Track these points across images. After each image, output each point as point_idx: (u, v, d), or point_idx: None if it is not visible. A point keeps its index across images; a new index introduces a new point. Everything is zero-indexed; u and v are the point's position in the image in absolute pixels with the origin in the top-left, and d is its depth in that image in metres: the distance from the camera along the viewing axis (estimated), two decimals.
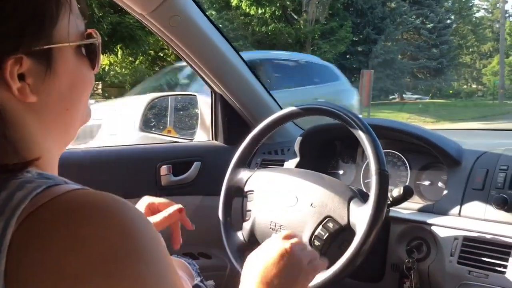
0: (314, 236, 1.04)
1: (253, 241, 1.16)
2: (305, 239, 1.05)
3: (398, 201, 1.06)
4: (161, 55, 16.52)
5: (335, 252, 1.02)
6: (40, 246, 0.40)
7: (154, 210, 0.94)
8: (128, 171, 1.47)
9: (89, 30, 0.56)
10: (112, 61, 14.37)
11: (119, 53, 14.08)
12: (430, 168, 1.27)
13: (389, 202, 1.04)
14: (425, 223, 1.15)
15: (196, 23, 1.36)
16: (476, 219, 1.09)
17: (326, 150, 1.47)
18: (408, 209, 1.20)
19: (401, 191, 1.05)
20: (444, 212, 1.14)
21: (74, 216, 0.42)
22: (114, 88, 14.95)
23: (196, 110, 1.78)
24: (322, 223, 1.04)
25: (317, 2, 18.86)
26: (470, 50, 32.84)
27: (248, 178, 1.22)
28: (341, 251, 0.98)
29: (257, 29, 18.55)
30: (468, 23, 30.85)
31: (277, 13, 18.80)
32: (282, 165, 1.46)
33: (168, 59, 16.35)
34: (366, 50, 21.75)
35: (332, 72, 6.34)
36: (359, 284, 1.21)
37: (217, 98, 1.63)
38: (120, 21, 11.32)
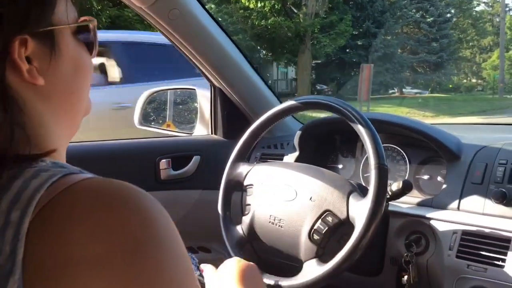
0: (313, 230, 1.04)
1: (252, 235, 1.17)
2: (304, 233, 1.06)
3: (397, 195, 1.06)
4: None
5: (334, 246, 1.03)
6: (58, 234, 0.40)
7: None
8: (128, 165, 1.47)
9: (83, 18, 0.57)
10: None
11: None
12: (430, 162, 1.27)
13: (388, 196, 1.04)
14: (424, 217, 1.15)
15: (195, 16, 1.35)
16: (475, 213, 1.09)
17: (325, 144, 1.47)
18: (407, 203, 1.20)
19: (400, 185, 1.05)
20: (443, 206, 1.14)
21: (92, 203, 0.42)
22: None
23: (196, 104, 1.77)
24: (321, 217, 1.04)
25: None
26: (470, 44, 32.80)
27: (248, 172, 1.22)
28: (340, 245, 0.98)
29: (256, 23, 18.50)
30: (468, 17, 30.80)
31: (276, 6, 18.75)
32: (282, 159, 1.46)
33: None
34: (366, 44, 21.71)
35: None
36: (357, 277, 1.22)
37: (216, 92, 1.62)
38: (119, 14, 11.29)
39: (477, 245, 1.05)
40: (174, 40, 1.39)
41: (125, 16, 11.36)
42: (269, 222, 1.13)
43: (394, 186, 1.06)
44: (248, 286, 0.76)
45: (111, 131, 3.92)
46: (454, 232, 1.09)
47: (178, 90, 1.95)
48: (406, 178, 1.28)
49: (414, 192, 1.23)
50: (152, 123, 1.88)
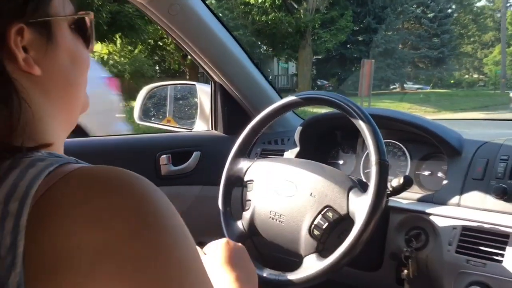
0: (313, 225, 1.05)
1: (252, 231, 1.17)
2: (305, 228, 1.06)
3: (397, 191, 1.06)
4: (161, 44, 16.47)
5: (334, 241, 1.03)
6: (57, 223, 0.40)
7: None
8: (128, 161, 1.47)
9: (81, 12, 0.57)
10: (111, 50, 14.33)
11: (118, 42, 14.05)
12: (431, 158, 1.27)
13: (388, 192, 1.04)
14: (424, 212, 1.15)
15: (195, 11, 1.35)
16: (475, 209, 1.09)
17: (326, 140, 1.47)
18: (408, 199, 1.20)
19: (401, 181, 1.05)
20: (443, 202, 1.14)
21: (89, 190, 0.42)
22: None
23: (196, 100, 1.77)
24: (322, 213, 1.04)
25: None
26: (472, 39, 32.71)
27: (248, 168, 1.22)
28: (340, 240, 0.98)
29: (257, 18, 18.46)
30: (469, 12, 30.70)
31: (277, 2, 18.70)
32: (282, 155, 1.46)
33: (168, 48, 16.32)
34: (367, 39, 21.67)
35: None
36: (357, 272, 1.22)
37: (216, 88, 1.62)
38: (119, 10, 11.28)
39: (476, 240, 1.05)
40: (174, 35, 1.39)
41: (125, 11, 11.35)
42: (270, 217, 1.13)
43: (395, 181, 1.06)
44: (237, 267, 0.74)
45: None
46: (454, 227, 1.09)
47: (178, 85, 1.95)
48: (406, 173, 1.28)
49: (415, 187, 1.23)
50: (152, 119, 1.88)
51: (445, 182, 1.18)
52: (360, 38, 22.07)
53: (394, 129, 1.32)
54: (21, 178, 0.42)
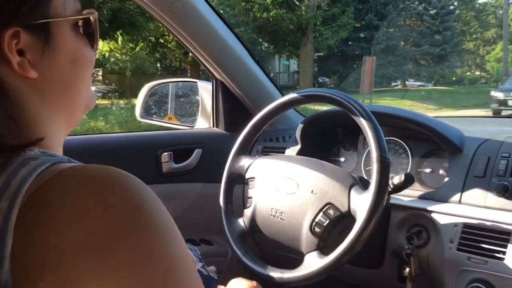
0: (314, 222, 1.05)
1: (254, 228, 1.17)
2: (306, 225, 1.06)
3: (399, 188, 1.06)
4: (162, 41, 16.46)
5: (335, 238, 1.03)
6: (44, 221, 0.40)
7: None
8: (129, 158, 1.47)
9: (86, 11, 0.56)
10: (112, 47, 14.32)
11: (120, 39, 14.04)
12: (432, 155, 1.27)
13: (390, 190, 1.04)
14: (425, 210, 1.15)
15: (196, 9, 1.35)
16: (476, 206, 1.09)
17: (327, 137, 1.47)
18: (409, 196, 1.20)
19: (402, 179, 1.05)
20: (444, 199, 1.14)
21: (77, 188, 0.42)
22: (114, 74, 14.93)
23: (197, 97, 1.77)
24: (323, 210, 1.04)
25: None
26: (474, 36, 32.61)
27: (249, 165, 1.22)
28: (342, 238, 0.98)
29: (258, 15, 18.42)
30: (471, 9, 30.60)
31: None
32: (283, 152, 1.46)
33: (169, 45, 16.30)
34: (369, 36, 21.62)
35: None
36: (358, 270, 1.22)
37: (218, 85, 1.62)
38: (120, 7, 11.27)
39: (478, 238, 1.05)
40: (175, 32, 1.39)
41: (126, 8, 11.34)
42: (271, 215, 1.13)
43: (396, 179, 1.06)
44: None
45: None
46: (455, 225, 1.09)
47: (180, 83, 1.95)
48: (408, 171, 1.28)
49: (416, 185, 1.23)
50: (154, 116, 1.88)
51: (446, 179, 1.18)
52: (361, 35, 22.02)
53: (395, 126, 1.32)
54: (13, 177, 0.43)
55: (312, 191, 1.07)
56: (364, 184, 1.05)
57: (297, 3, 19.44)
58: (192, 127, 1.76)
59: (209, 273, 0.97)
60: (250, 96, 1.59)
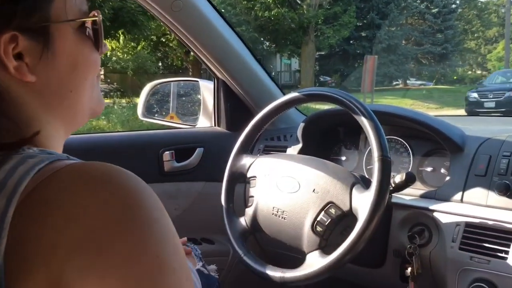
0: (316, 222, 1.05)
1: (255, 227, 1.17)
2: (307, 224, 1.06)
3: (400, 187, 1.06)
4: (163, 40, 16.46)
5: (337, 237, 1.03)
6: (40, 220, 0.40)
7: None
8: (131, 157, 1.47)
9: (92, 12, 0.55)
10: (114, 46, 14.32)
11: (121, 38, 14.05)
12: (433, 154, 1.27)
13: (391, 188, 1.04)
14: (427, 209, 1.15)
15: (198, 8, 1.35)
16: (478, 205, 1.09)
17: (329, 136, 1.47)
18: (411, 195, 1.20)
19: (404, 178, 1.05)
20: (446, 198, 1.14)
21: (74, 186, 0.42)
22: (116, 73, 14.95)
23: (199, 96, 1.77)
24: (324, 209, 1.04)
25: None
26: (475, 35, 32.53)
27: (251, 164, 1.22)
28: (343, 237, 0.98)
29: (260, 14, 18.40)
30: (473, 8, 30.53)
31: None
32: (285, 151, 1.46)
33: (170, 44, 16.31)
34: (370, 35, 21.59)
35: None
36: (360, 269, 1.22)
37: (219, 84, 1.62)
38: (122, 6, 11.27)
39: (480, 237, 1.05)
40: (177, 31, 1.39)
41: (128, 7, 11.35)
42: (272, 214, 1.13)
43: (398, 178, 1.06)
44: None
45: None
46: (457, 224, 1.09)
47: (181, 82, 1.95)
48: (409, 170, 1.28)
49: (418, 184, 1.23)
50: (156, 115, 1.88)
51: (447, 178, 1.18)
52: (363, 34, 21.98)
53: (396, 125, 1.32)
54: (10, 175, 0.42)
55: (313, 190, 1.07)
56: (365, 183, 1.05)
57: (298, 1, 19.43)
58: (194, 126, 1.76)
59: (209, 272, 0.97)
60: (251, 95, 1.58)
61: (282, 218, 1.11)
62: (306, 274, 1.01)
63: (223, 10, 15.81)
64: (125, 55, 15.04)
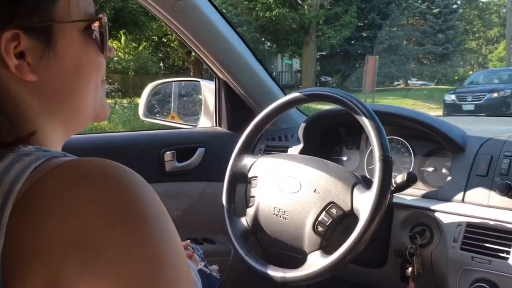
0: (317, 222, 1.05)
1: (256, 227, 1.17)
2: (309, 224, 1.06)
3: (401, 187, 1.06)
4: (165, 40, 16.47)
5: (338, 238, 1.03)
6: (37, 219, 0.40)
7: None
8: (132, 157, 1.47)
9: (100, 15, 0.55)
10: (115, 47, 14.33)
11: (122, 38, 14.07)
12: (434, 154, 1.27)
13: (392, 189, 1.04)
14: (428, 209, 1.15)
15: (199, 8, 1.35)
16: (479, 205, 1.09)
17: (330, 136, 1.47)
18: (412, 195, 1.20)
19: (405, 178, 1.05)
20: (447, 199, 1.14)
21: (72, 184, 0.41)
22: (117, 74, 14.96)
23: (200, 96, 1.77)
24: (326, 209, 1.04)
25: None
26: (476, 35, 32.49)
27: (252, 164, 1.22)
28: (344, 237, 0.98)
29: (261, 14, 18.40)
30: (474, 8, 30.49)
31: None
32: (286, 151, 1.46)
33: (172, 44, 16.32)
34: (371, 35, 21.57)
35: None
36: (362, 269, 1.22)
37: (220, 84, 1.62)
38: (123, 6, 11.28)
39: (481, 237, 1.05)
40: (178, 32, 1.39)
41: (129, 8, 11.36)
42: (274, 214, 1.13)
43: (399, 178, 1.05)
44: None
45: None
46: (459, 224, 1.09)
47: (183, 82, 1.95)
48: (410, 170, 1.28)
49: (419, 184, 1.23)
50: (157, 115, 1.88)
51: (449, 178, 1.17)
52: (364, 34, 21.97)
53: (397, 125, 1.32)
54: (6, 174, 0.42)
55: (314, 190, 1.07)
56: (367, 183, 1.05)
57: (300, 2, 19.43)
58: (195, 126, 1.76)
59: (211, 272, 0.97)
60: (252, 95, 1.59)
61: (283, 218, 1.11)
62: (307, 274, 1.01)
63: (224, 11, 15.83)
64: (127, 56, 15.06)
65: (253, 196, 1.19)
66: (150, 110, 1.84)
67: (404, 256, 1.15)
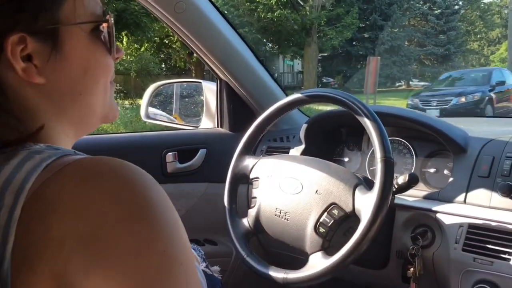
0: (319, 223, 1.05)
1: (258, 228, 1.17)
2: (310, 225, 1.06)
3: (403, 188, 1.06)
4: (166, 42, 16.50)
5: (340, 239, 1.03)
6: (47, 215, 0.40)
7: None
8: (134, 158, 1.46)
9: (108, 16, 0.55)
10: None
11: (124, 40, 14.09)
12: (436, 155, 1.27)
13: (394, 190, 1.04)
14: (430, 210, 1.15)
15: (201, 9, 1.35)
16: (481, 206, 1.09)
17: (331, 137, 1.47)
18: (414, 196, 1.20)
19: (407, 179, 1.05)
20: (449, 200, 1.14)
21: (82, 182, 0.42)
22: (119, 75, 14.99)
23: (202, 97, 1.78)
24: (327, 210, 1.04)
25: None
26: (478, 36, 32.47)
27: (254, 165, 1.22)
28: (346, 238, 0.98)
29: (262, 16, 18.43)
30: (476, 9, 30.46)
31: None
32: (288, 152, 1.46)
33: (174, 45, 16.34)
34: (373, 36, 21.58)
35: None
36: (363, 270, 1.22)
37: (222, 85, 1.62)
38: (125, 7, 11.31)
39: (483, 238, 1.05)
40: (180, 33, 1.39)
41: (131, 9, 11.38)
42: (275, 215, 1.13)
43: (400, 179, 1.06)
44: None
45: None
46: (461, 225, 1.09)
47: (184, 83, 1.95)
48: (412, 171, 1.28)
49: (420, 185, 1.23)
50: (159, 116, 1.88)
51: (450, 179, 1.17)
52: (366, 35, 21.98)
53: (399, 126, 1.32)
54: (17, 171, 0.43)
55: (316, 191, 1.07)
56: (368, 184, 1.05)
57: (301, 3, 19.44)
58: (197, 127, 1.76)
59: (213, 273, 0.97)
60: (254, 96, 1.59)
61: (285, 219, 1.11)
62: (309, 275, 1.01)
63: (226, 12, 15.83)
64: (128, 57, 15.07)
65: (255, 197, 1.19)
66: (152, 111, 1.84)
67: (405, 257, 1.15)
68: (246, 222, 1.20)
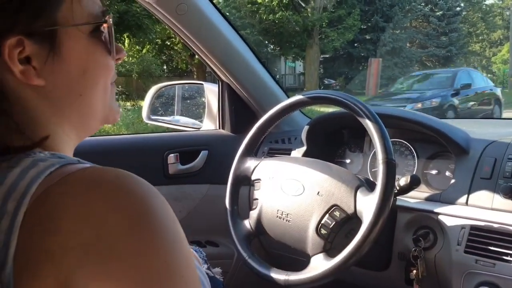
0: (320, 224, 1.05)
1: (260, 230, 1.17)
2: (312, 227, 1.06)
3: (405, 190, 1.06)
4: (168, 43, 16.53)
5: (341, 240, 1.03)
6: (49, 223, 0.40)
7: None
8: (136, 160, 1.48)
9: (107, 17, 0.55)
10: None
11: (126, 42, 14.12)
12: (438, 157, 1.27)
13: (396, 191, 1.04)
14: (432, 212, 1.15)
15: (202, 11, 1.35)
16: (483, 208, 1.09)
17: (333, 139, 1.47)
18: (415, 198, 1.20)
19: (408, 180, 1.04)
20: (451, 201, 1.14)
21: (86, 191, 0.42)
22: (121, 77, 15.01)
23: (203, 99, 1.78)
24: (329, 212, 1.04)
25: None
26: (480, 38, 32.44)
27: (255, 167, 1.22)
28: (348, 240, 0.98)
29: (264, 17, 18.45)
30: (478, 10, 30.44)
31: (284, 1, 18.70)
32: (289, 154, 1.46)
33: (175, 47, 16.36)
34: (374, 38, 21.58)
35: None
36: (365, 272, 1.22)
37: (224, 87, 1.62)
38: (127, 9, 11.33)
39: (485, 240, 1.05)
40: (181, 35, 1.39)
41: (133, 11, 11.40)
42: (277, 216, 1.13)
43: (402, 181, 1.05)
44: None
45: None
46: (463, 227, 1.09)
47: (186, 85, 1.95)
48: (414, 173, 1.27)
49: (422, 187, 1.23)
50: (160, 118, 1.89)
51: (452, 181, 1.17)
52: (367, 37, 21.98)
53: (401, 128, 1.32)
54: (21, 178, 0.43)
55: (318, 193, 1.07)
56: (370, 186, 1.05)
57: (303, 5, 19.45)
58: (198, 128, 1.76)
59: (214, 275, 0.97)
60: (256, 98, 1.59)
61: (286, 220, 1.11)
62: (310, 277, 1.01)
63: (227, 13, 15.85)
64: (130, 59, 15.10)
65: (256, 199, 1.19)
66: (154, 112, 1.84)
67: (407, 259, 1.15)
68: (248, 223, 1.19)
